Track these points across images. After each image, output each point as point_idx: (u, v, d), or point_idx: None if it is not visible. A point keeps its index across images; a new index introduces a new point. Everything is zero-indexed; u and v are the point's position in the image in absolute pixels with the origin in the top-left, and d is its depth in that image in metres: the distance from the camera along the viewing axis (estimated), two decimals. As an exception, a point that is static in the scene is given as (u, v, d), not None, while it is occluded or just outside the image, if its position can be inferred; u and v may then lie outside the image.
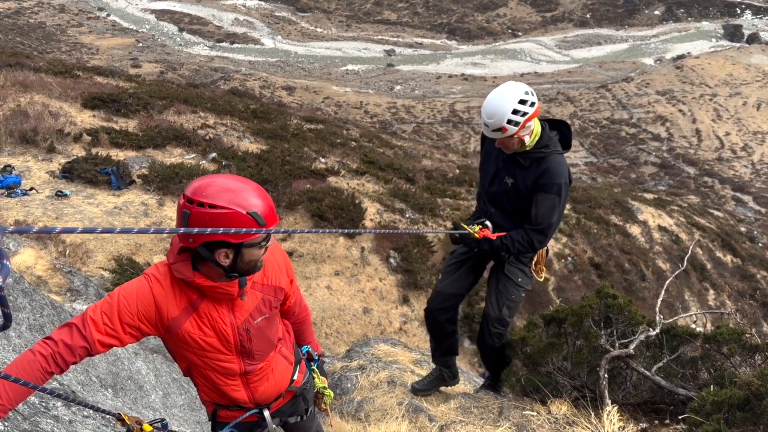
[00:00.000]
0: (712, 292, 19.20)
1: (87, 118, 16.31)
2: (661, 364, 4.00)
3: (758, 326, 15.34)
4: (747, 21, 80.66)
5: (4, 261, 1.20)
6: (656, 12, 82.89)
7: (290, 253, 12.45)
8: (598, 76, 68.59)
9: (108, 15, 77.93)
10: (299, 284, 2.55)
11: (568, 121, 4.29)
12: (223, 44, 74.10)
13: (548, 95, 62.06)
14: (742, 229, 29.66)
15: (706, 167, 50.55)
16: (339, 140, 21.85)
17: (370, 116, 56.93)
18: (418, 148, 29.56)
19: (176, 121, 17.90)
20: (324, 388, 2.72)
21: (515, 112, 3.46)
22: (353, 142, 22.75)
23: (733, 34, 76.96)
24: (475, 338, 4.72)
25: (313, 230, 1.90)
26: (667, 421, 3.73)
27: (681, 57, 71.87)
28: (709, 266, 20.58)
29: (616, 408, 3.63)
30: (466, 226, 3.87)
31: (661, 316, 4.22)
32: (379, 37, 78.41)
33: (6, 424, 2.36)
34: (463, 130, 55.52)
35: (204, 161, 15.20)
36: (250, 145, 17.64)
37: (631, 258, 17.96)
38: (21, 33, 66.11)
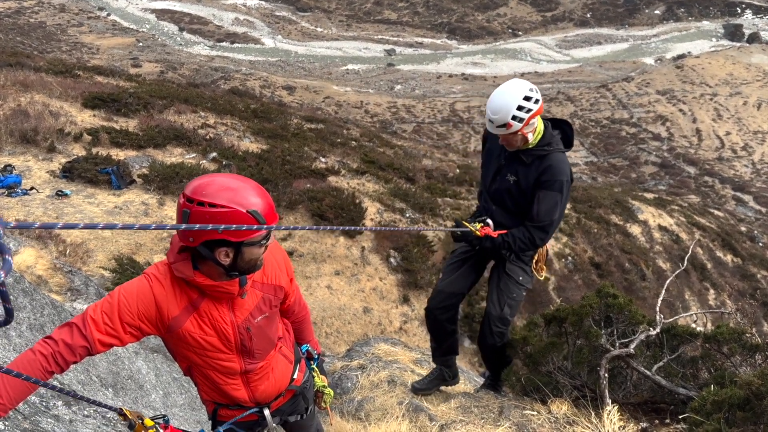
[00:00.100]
0: (712, 291, 19.20)
1: (87, 118, 16.31)
2: (661, 363, 3.99)
3: (759, 326, 15.30)
4: (747, 20, 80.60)
5: (6, 256, 1.18)
6: (657, 11, 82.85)
7: (290, 253, 12.45)
8: (599, 76, 68.54)
9: (108, 14, 77.92)
10: (299, 284, 2.55)
11: (569, 121, 4.32)
12: (224, 44, 74.06)
13: (548, 95, 61.99)
14: (743, 228, 29.65)
15: (706, 167, 50.50)
16: (339, 140, 21.85)
17: (371, 116, 56.91)
18: (419, 147, 29.56)
19: (176, 121, 17.89)
20: (324, 386, 2.72)
21: (520, 108, 3.49)
22: (353, 142, 22.75)
23: (734, 33, 76.91)
24: (476, 338, 4.72)
25: (314, 227, 1.88)
26: (668, 421, 3.73)
27: (681, 56, 71.80)
28: (709, 266, 20.58)
29: (616, 407, 3.63)
30: (467, 224, 3.88)
31: (662, 316, 4.22)
32: (380, 36, 78.37)
33: (6, 423, 2.36)
34: (464, 129, 55.49)
35: (204, 161, 15.19)
36: (251, 145, 17.64)
37: (631, 257, 17.96)
38: (21, 32, 66.09)
